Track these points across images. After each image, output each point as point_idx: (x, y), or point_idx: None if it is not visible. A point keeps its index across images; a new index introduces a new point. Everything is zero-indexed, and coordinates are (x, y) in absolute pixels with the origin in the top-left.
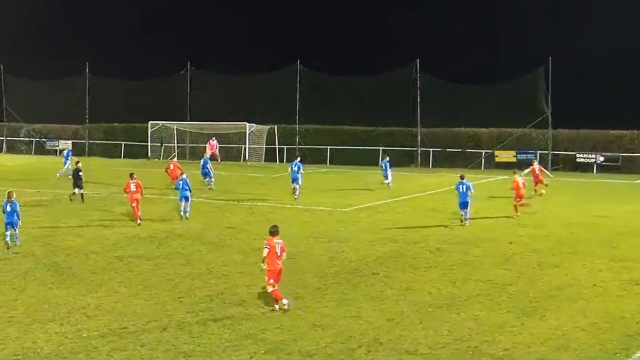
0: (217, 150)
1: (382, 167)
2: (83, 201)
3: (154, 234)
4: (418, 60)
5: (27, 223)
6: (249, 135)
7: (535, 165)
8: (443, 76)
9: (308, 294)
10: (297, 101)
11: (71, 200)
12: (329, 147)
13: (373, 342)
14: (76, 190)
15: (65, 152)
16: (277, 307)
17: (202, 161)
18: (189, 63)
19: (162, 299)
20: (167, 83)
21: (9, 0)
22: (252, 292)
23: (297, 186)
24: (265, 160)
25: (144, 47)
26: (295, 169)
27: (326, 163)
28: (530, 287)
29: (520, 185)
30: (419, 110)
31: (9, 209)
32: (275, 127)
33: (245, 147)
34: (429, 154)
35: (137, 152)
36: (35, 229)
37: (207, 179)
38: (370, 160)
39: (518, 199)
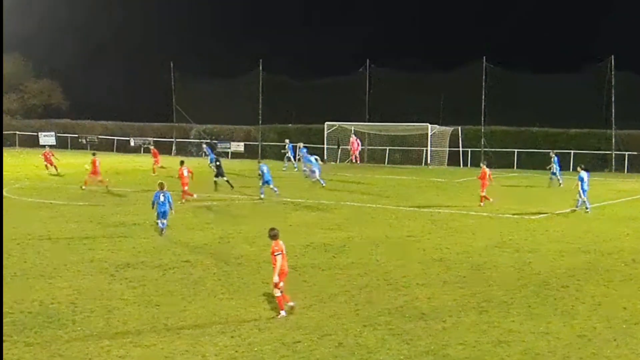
0: (358, 151)
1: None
2: (232, 187)
3: (330, 242)
4: (613, 56)
5: (196, 230)
6: (430, 138)
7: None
8: None
9: (492, 308)
10: (483, 101)
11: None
12: (516, 150)
13: None
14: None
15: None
16: (283, 313)
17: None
18: (367, 60)
19: (338, 311)
20: (344, 81)
21: None
22: (433, 305)
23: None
24: (447, 164)
25: (320, 44)
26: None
27: (513, 167)
28: None
29: (487, 175)
30: (613, 110)
31: (162, 198)
32: (459, 128)
33: (426, 150)
34: (624, 158)
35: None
36: (206, 236)
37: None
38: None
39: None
